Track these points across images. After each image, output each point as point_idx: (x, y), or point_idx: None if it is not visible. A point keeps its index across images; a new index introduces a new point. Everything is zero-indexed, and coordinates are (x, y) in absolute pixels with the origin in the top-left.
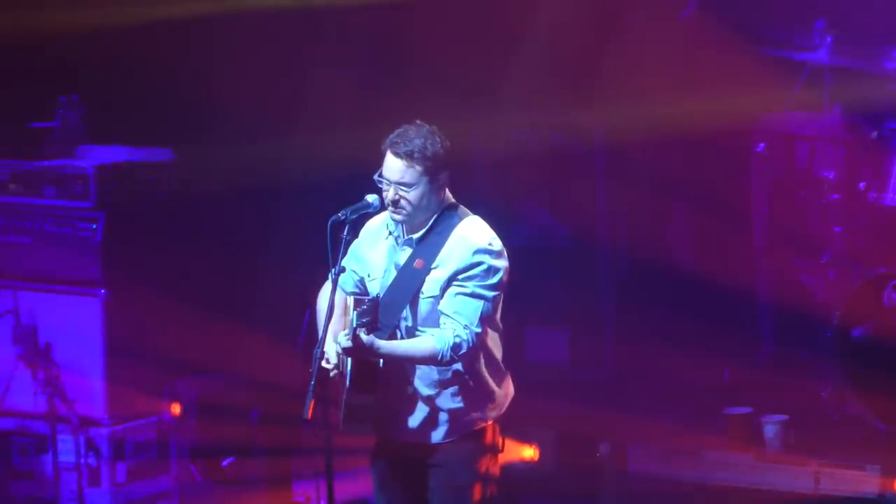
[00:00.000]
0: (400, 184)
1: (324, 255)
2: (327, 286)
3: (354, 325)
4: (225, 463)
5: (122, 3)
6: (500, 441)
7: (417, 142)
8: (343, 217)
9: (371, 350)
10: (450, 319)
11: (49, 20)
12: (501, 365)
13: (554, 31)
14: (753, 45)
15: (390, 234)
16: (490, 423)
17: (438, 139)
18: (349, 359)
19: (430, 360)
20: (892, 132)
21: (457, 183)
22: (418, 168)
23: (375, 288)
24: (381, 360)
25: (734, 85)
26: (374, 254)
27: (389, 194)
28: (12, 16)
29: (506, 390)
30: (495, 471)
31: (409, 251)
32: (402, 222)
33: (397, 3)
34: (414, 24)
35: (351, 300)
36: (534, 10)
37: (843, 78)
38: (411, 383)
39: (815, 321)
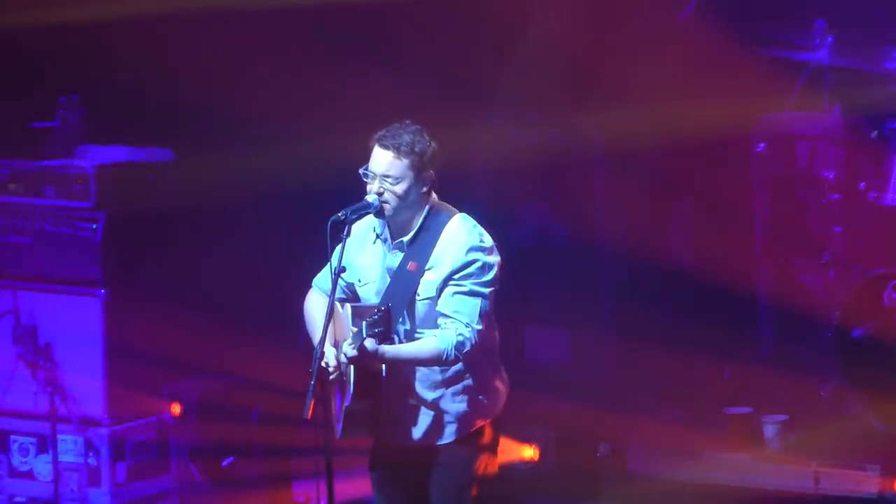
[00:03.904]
0: (386, 176)
1: (323, 256)
2: (313, 293)
3: (364, 335)
4: (225, 463)
5: (122, 1)
6: (498, 438)
7: (406, 137)
8: (343, 217)
9: (377, 357)
10: (450, 319)
11: (49, 19)
12: (498, 360)
13: (554, 30)
14: (753, 45)
15: (378, 236)
16: (489, 421)
17: (426, 138)
18: (351, 367)
19: (435, 361)
20: (892, 132)
21: (456, 183)
22: (405, 161)
23: (369, 293)
24: (385, 366)
25: (734, 85)
26: (362, 259)
27: (374, 187)
28: (12, 15)
29: (503, 386)
30: (494, 469)
31: (400, 255)
32: (387, 218)
33: (397, 4)
34: (413, 24)
35: (348, 308)
36: (533, 9)
37: (843, 78)
38: (412, 387)
39: (815, 321)
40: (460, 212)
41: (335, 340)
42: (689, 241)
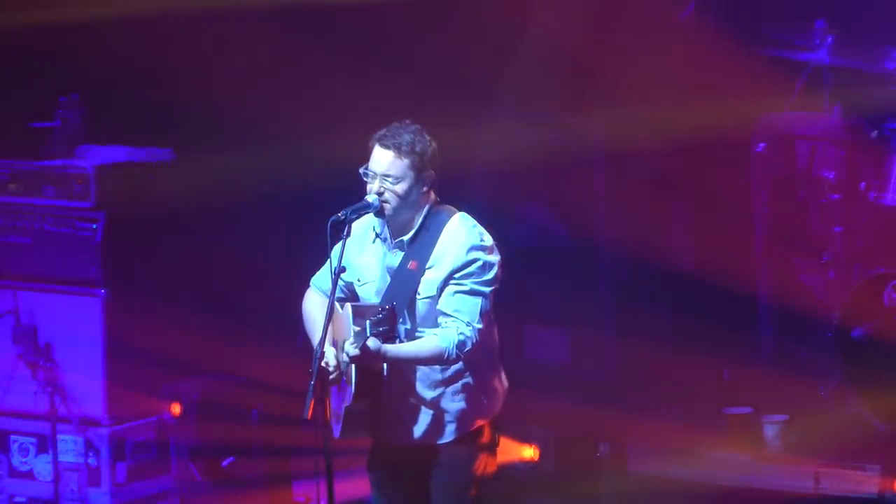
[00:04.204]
0: (386, 176)
1: (323, 256)
2: (311, 293)
3: (369, 334)
4: (225, 463)
5: (123, 1)
6: (497, 438)
7: (406, 136)
8: (343, 217)
9: (379, 356)
10: (451, 318)
11: (49, 19)
12: (498, 360)
13: (554, 31)
14: (753, 45)
15: (377, 236)
16: (488, 421)
17: (426, 138)
18: (353, 366)
19: (436, 360)
20: (892, 132)
21: (456, 183)
22: (405, 161)
23: (368, 292)
24: (386, 366)
25: (734, 85)
26: (362, 258)
27: (374, 187)
28: (12, 15)
29: (503, 385)
30: (493, 469)
31: (400, 254)
32: (387, 217)
33: (397, 4)
34: (413, 24)
35: (349, 307)
36: (533, 10)
37: (843, 78)
38: (413, 386)
39: (815, 321)
40: (460, 211)
41: (334, 340)
42: (689, 241)
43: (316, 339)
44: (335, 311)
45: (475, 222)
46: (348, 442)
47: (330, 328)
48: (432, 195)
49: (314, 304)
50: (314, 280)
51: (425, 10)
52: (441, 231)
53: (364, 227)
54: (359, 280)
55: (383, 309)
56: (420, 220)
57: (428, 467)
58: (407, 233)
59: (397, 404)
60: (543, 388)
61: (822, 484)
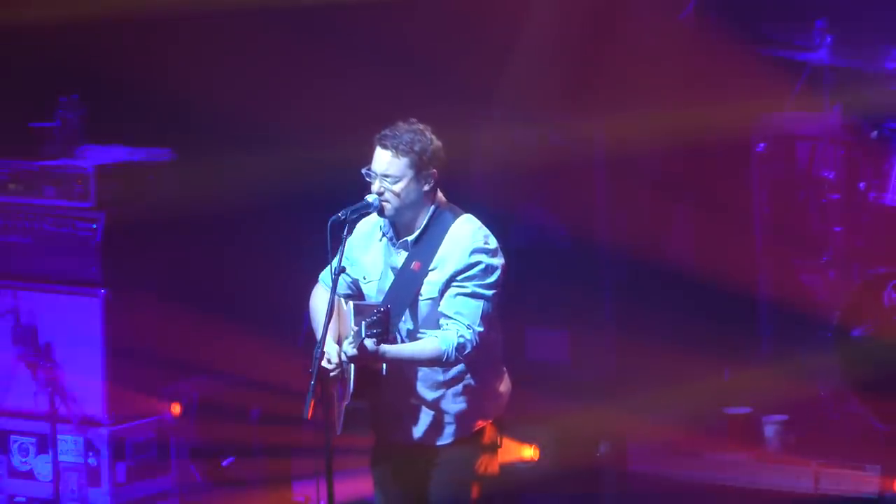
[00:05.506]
0: (386, 175)
1: (323, 256)
2: (319, 288)
3: (363, 335)
4: (225, 463)
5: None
6: (499, 439)
7: (406, 136)
8: (343, 217)
9: (377, 357)
10: (452, 320)
11: (49, 19)
12: (501, 362)
13: (554, 31)
14: (753, 45)
15: (383, 235)
16: (490, 422)
17: (428, 137)
18: (352, 365)
19: (435, 361)
20: (892, 132)
21: (457, 184)
22: (404, 160)
23: (371, 290)
24: (385, 366)
25: (734, 85)
26: (367, 256)
27: (375, 186)
28: (11, 14)
29: (505, 388)
30: (494, 469)
31: (404, 254)
32: (388, 217)
33: (398, 4)
34: (413, 24)
35: (351, 305)
36: (533, 10)
37: (843, 78)
38: (414, 386)
39: (815, 321)
40: (466, 213)
41: (338, 336)
42: (689, 240)
43: (320, 334)
44: (341, 307)
45: (480, 224)
46: (348, 442)
47: (335, 324)
48: (438, 195)
49: (320, 299)
50: (322, 276)
51: (426, 11)
52: (446, 232)
53: (371, 225)
54: (364, 278)
55: (378, 311)
56: (425, 220)
57: (429, 466)
58: (412, 233)
59: (398, 404)
60: (543, 388)
61: (822, 484)
